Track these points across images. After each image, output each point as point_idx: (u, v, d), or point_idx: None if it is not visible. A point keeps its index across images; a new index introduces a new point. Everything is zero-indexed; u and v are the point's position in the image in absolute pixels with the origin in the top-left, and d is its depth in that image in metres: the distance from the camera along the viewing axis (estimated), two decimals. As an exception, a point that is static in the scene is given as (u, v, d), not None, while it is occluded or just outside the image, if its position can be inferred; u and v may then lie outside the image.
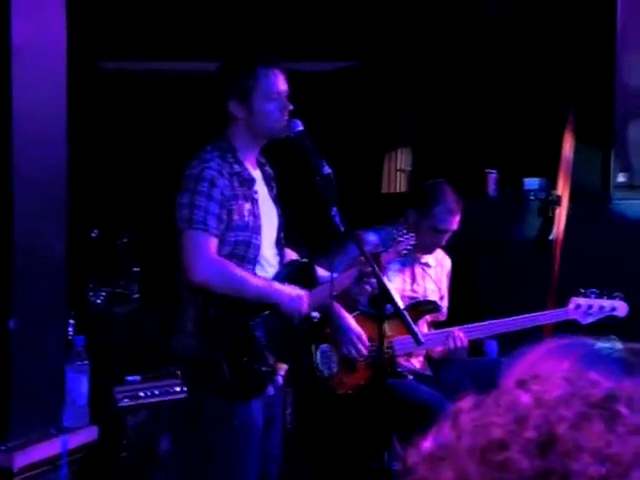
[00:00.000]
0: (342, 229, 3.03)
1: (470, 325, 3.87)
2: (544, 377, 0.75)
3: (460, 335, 3.76)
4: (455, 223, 3.88)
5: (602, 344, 0.90)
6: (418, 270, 4.01)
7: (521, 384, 0.74)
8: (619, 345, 0.90)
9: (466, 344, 3.78)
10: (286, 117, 3.08)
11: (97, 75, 4.76)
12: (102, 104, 4.74)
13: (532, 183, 4.81)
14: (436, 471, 0.70)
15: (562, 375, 0.75)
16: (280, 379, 3.09)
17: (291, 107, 3.08)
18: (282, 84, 3.09)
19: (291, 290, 3.08)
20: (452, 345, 3.75)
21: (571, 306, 3.83)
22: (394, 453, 3.78)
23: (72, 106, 3.07)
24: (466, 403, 0.74)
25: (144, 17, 4.66)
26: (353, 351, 3.62)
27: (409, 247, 3.48)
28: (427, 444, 0.72)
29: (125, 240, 4.54)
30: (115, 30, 4.61)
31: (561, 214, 4.67)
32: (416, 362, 3.97)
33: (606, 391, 0.72)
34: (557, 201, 4.68)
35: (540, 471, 0.67)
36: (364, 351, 3.62)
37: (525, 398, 0.72)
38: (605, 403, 0.71)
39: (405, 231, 3.53)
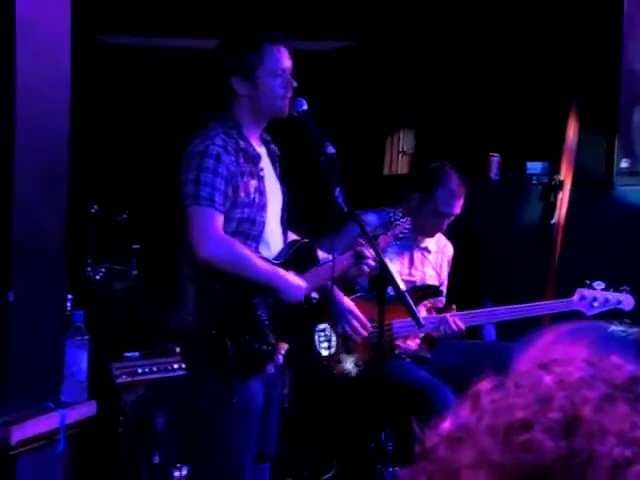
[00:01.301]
0: (345, 209, 3.02)
1: (473, 311, 3.87)
2: (565, 360, 0.74)
3: (455, 321, 3.76)
4: (458, 207, 3.86)
5: (616, 327, 0.89)
6: (417, 255, 4.00)
7: (543, 367, 0.73)
8: (633, 328, 0.89)
9: (463, 329, 3.78)
10: (290, 94, 3.06)
11: (100, 49, 4.73)
12: (105, 79, 4.71)
13: (535, 167, 4.79)
14: (456, 452, 0.69)
15: (583, 358, 0.74)
16: (280, 358, 3.09)
17: (295, 84, 3.06)
18: (287, 61, 3.07)
19: (294, 278, 3.07)
20: (445, 331, 3.74)
21: (576, 297, 3.83)
22: (390, 434, 3.79)
23: (75, 80, 3.05)
24: (485, 385, 0.73)
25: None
26: (350, 331, 3.62)
27: (405, 231, 3.47)
28: (446, 425, 0.71)
29: (125, 216, 4.52)
30: (119, 4, 4.58)
31: (563, 199, 4.66)
32: (413, 344, 3.97)
33: (629, 374, 0.71)
34: (559, 186, 4.67)
35: (564, 452, 0.66)
36: (362, 331, 3.62)
37: (548, 379, 0.71)
38: (629, 385, 0.70)
39: (401, 215, 3.52)
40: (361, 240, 3.14)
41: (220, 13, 4.60)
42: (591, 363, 0.73)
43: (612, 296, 3.82)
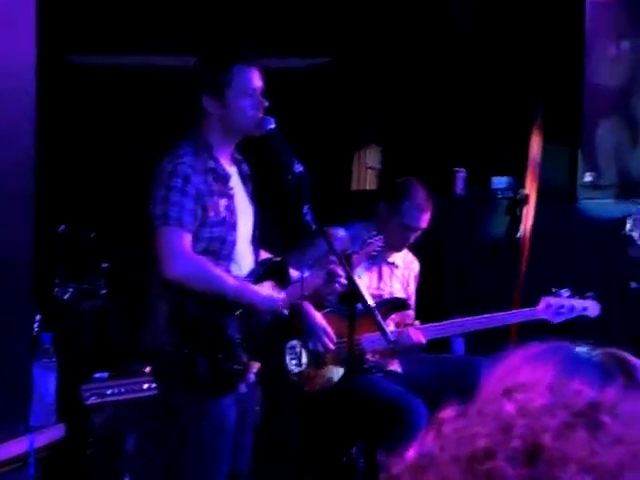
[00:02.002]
0: (314, 227, 3.03)
1: (440, 323, 3.89)
2: (528, 386, 0.76)
3: (414, 333, 3.77)
4: (424, 221, 3.89)
5: (581, 348, 0.91)
6: (385, 270, 4.03)
7: (505, 393, 0.75)
8: (597, 349, 0.91)
9: (423, 341, 3.79)
10: (261, 114, 3.07)
11: (69, 68, 4.71)
12: (75, 97, 4.70)
13: (500, 182, 4.84)
14: None
15: (546, 384, 0.75)
16: (252, 377, 3.09)
17: (266, 104, 3.07)
18: (257, 80, 3.08)
19: (266, 291, 3.08)
20: (404, 344, 3.75)
21: (542, 305, 3.86)
22: (362, 448, 3.80)
23: (44, 99, 3.04)
24: (449, 412, 0.74)
25: (119, 11, 4.62)
26: (320, 347, 3.63)
27: (378, 249, 3.50)
28: (411, 454, 0.72)
29: (93, 235, 4.49)
30: (89, 23, 4.57)
31: (528, 213, 4.71)
32: (384, 358, 3.98)
33: (589, 400, 0.73)
34: (525, 200, 4.72)
35: None
36: (331, 346, 3.63)
37: (509, 407, 0.72)
38: (589, 412, 0.72)
39: (374, 233, 3.55)
40: (332, 258, 3.15)
41: (192, 31, 4.61)
42: (553, 389, 0.74)
43: (577, 303, 3.86)
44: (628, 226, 1.73)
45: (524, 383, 0.78)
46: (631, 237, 1.73)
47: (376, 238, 3.49)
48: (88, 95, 4.74)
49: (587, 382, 0.81)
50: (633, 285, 1.75)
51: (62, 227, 4.42)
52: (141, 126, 4.70)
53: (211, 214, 3.00)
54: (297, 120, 4.85)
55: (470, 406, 0.75)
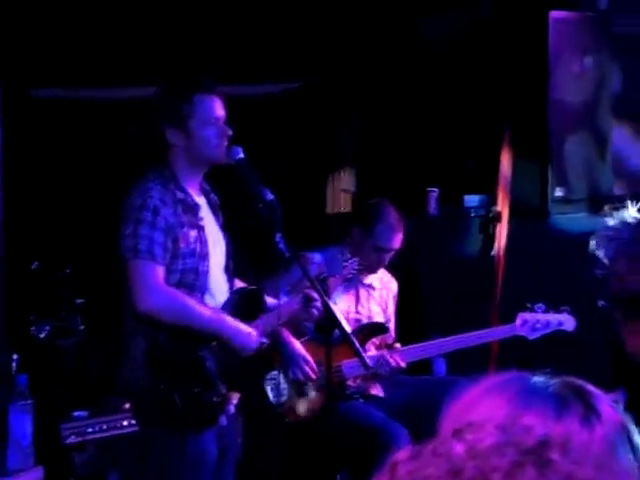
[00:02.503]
0: (287, 254, 3.02)
1: (418, 345, 3.89)
2: (478, 425, 0.75)
3: (394, 357, 3.77)
4: (397, 242, 3.91)
5: (538, 378, 0.91)
6: (362, 292, 4.02)
7: (455, 433, 0.74)
8: (554, 379, 0.91)
9: (402, 365, 3.78)
10: (225, 142, 3.06)
11: (33, 103, 4.69)
12: (39, 132, 4.68)
13: (472, 200, 4.86)
14: None
15: (496, 422, 0.75)
16: (232, 408, 3.06)
17: (230, 132, 3.07)
18: (219, 109, 3.07)
19: (242, 326, 3.06)
20: (383, 369, 3.75)
21: (518, 322, 3.88)
22: (346, 475, 3.78)
23: (7, 134, 3.02)
24: (403, 454, 0.74)
25: (79, 43, 4.62)
26: (300, 375, 3.61)
27: (354, 271, 3.50)
28: None
29: (67, 271, 4.46)
30: (49, 57, 4.56)
31: (502, 230, 4.73)
32: (365, 383, 3.97)
33: (539, 437, 0.73)
34: (497, 217, 4.74)
35: None
36: (312, 374, 3.62)
37: (459, 448, 0.72)
38: (538, 449, 0.71)
39: (349, 255, 3.55)
40: (307, 283, 3.14)
41: (158, 61, 4.61)
42: (502, 428, 0.74)
43: (553, 318, 3.88)
44: (592, 244, 1.75)
45: (475, 422, 0.77)
46: (595, 256, 1.74)
47: (351, 261, 3.50)
48: (53, 129, 4.72)
49: (542, 414, 0.81)
50: (600, 303, 1.76)
51: (35, 264, 4.39)
52: (109, 159, 4.68)
53: (182, 245, 2.99)
54: (271, 144, 4.86)
55: (425, 446, 0.74)
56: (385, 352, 3.80)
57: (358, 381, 3.91)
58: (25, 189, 4.31)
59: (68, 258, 4.44)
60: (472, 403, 0.87)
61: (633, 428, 0.87)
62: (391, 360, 3.75)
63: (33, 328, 4.23)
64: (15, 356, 3.64)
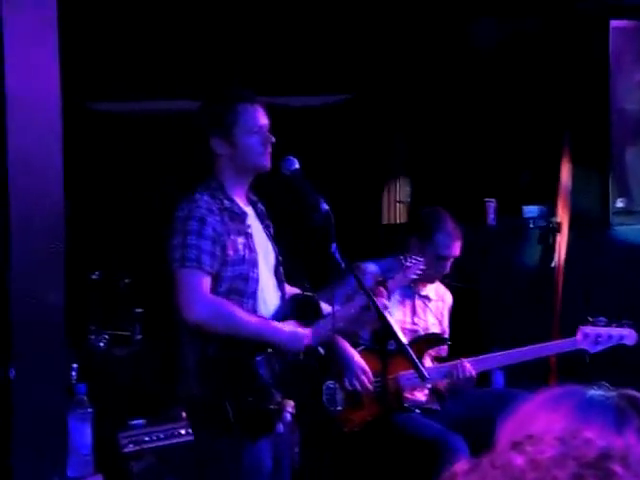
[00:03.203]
0: (343, 265, 3.01)
1: (477, 357, 3.84)
2: (537, 437, 0.74)
3: (467, 366, 3.74)
4: (457, 249, 3.87)
5: (595, 391, 0.89)
6: (419, 303, 3.99)
7: (515, 446, 0.73)
8: (611, 392, 0.89)
9: (474, 375, 3.76)
10: (269, 150, 3.09)
11: (92, 116, 4.78)
12: (99, 145, 4.76)
13: (531, 211, 4.80)
14: None
15: (555, 435, 0.74)
16: (288, 416, 3.06)
17: (273, 140, 3.09)
18: (262, 118, 3.10)
19: (290, 328, 3.06)
20: (458, 376, 3.73)
21: (579, 336, 3.82)
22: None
23: (68, 148, 3.08)
24: (462, 466, 0.72)
25: (134, 57, 4.69)
26: (358, 385, 3.59)
27: (419, 271, 3.46)
28: None
29: (127, 281, 4.52)
30: (107, 71, 4.64)
31: (562, 241, 4.66)
32: (422, 395, 3.94)
33: (599, 450, 0.71)
34: (557, 228, 4.68)
35: None
36: (369, 385, 3.59)
37: (519, 460, 0.71)
38: (599, 463, 0.70)
39: (413, 256, 3.51)
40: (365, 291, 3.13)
41: (210, 73, 4.66)
42: (562, 440, 0.73)
43: (615, 332, 3.82)
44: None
45: (534, 434, 0.76)
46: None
47: (415, 261, 3.45)
48: (109, 141, 4.80)
49: (601, 427, 0.79)
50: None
51: (96, 274, 4.46)
52: (167, 171, 4.74)
53: (230, 253, 3.00)
54: (327, 156, 4.87)
55: (483, 458, 0.73)
56: (460, 360, 3.77)
57: (416, 393, 3.87)
58: (86, 200, 4.39)
59: (128, 268, 4.50)
60: (530, 416, 0.85)
61: None
62: (466, 368, 3.72)
63: (92, 337, 4.29)
64: (75, 365, 3.70)
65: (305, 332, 3.07)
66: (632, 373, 4.11)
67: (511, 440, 0.75)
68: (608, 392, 0.88)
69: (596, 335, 3.81)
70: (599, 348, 3.81)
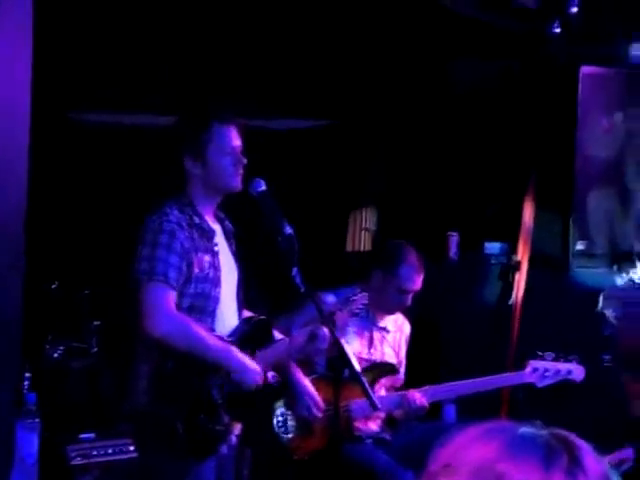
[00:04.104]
0: (302, 289, 3.02)
1: (429, 387, 3.86)
2: (454, 468, 0.75)
3: (416, 396, 3.76)
4: (419, 283, 3.91)
5: (526, 428, 0.91)
6: (376, 334, 4.01)
7: (431, 476, 0.75)
8: (543, 430, 0.91)
9: (426, 404, 3.78)
10: (241, 171, 3.10)
11: (63, 126, 4.76)
12: (68, 155, 4.74)
13: (493, 247, 4.86)
14: None
15: (472, 467, 0.75)
16: (234, 438, 3.05)
17: (245, 161, 3.11)
18: (236, 139, 3.12)
19: (249, 361, 3.05)
20: (407, 407, 3.74)
21: (528, 369, 3.87)
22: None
23: (39, 156, 3.07)
24: None
25: (116, 70, 4.69)
26: (306, 412, 3.59)
27: (362, 306, 3.49)
28: None
29: (86, 292, 4.49)
30: (87, 82, 4.63)
31: (520, 279, 4.72)
32: (374, 425, 3.95)
33: None
34: (517, 266, 4.73)
35: None
36: (318, 413, 3.59)
37: None
38: None
39: (359, 290, 3.54)
40: (318, 319, 3.14)
41: (191, 92, 4.67)
42: (476, 472, 0.74)
43: (563, 367, 3.87)
44: (601, 303, 1.74)
45: (452, 464, 0.77)
46: (604, 315, 1.74)
47: (360, 295, 3.48)
48: (80, 152, 4.78)
49: (528, 464, 0.81)
50: (605, 361, 1.76)
51: (54, 285, 4.42)
52: (132, 184, 4.73)
53: (196, 270, 3.01)
54: (295, 180, 4.89)
55: None
56: (409, 391, 3.79)
57: (369, 423, 3.88)
58: (48, 210, 4.36)
59: (87, 280, 4.47)
60: (460, 449, 0.87)
61: None
62: (414, 399, 3.73)
63: (48, 347, 4.25)
64: (27, 375, 3.66)
65: (259, 368, 3.06)
66: (583, 408, 4.17)
67: (430, 470, 0.76)
68: (539, 430, 0.90)
69: (544, 369, 3.86)
70: (547, 382, 3.85)
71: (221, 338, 3.06)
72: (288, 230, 3.04)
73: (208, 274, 3.03)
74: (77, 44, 4.46)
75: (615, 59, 4.81)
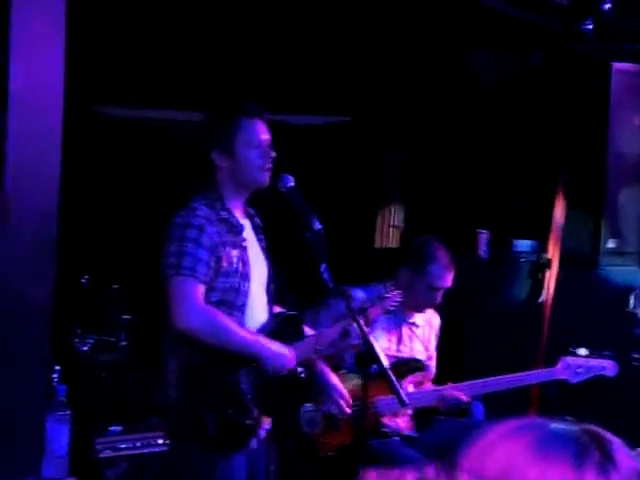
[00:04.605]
0: (331, 285, 3.02)
1: (459, 384, 3.84)
2: (484, 464, 0.75)
3: (454, 393, 3.74)
4: (450, 280, 3.88)
5: (557, 425, 0.90)
6: (405, 330, 4.00)
7: (461, 472, 0.74)
8: (573, 426, 0.90)
9: (465, 399, 3.75)
10: (269, 165, 3.11)
11: (95, 120, 4.80)
12: (99, 149, 4.77)
13: (523, 245, 4.82)
14: None
15: (502, 464, 0.75)
16: (263, 432, 3.06)
17: (274, 155, 3.11)
18: (263, 133, 3.13)
19: (278, 347, 3.06)
20: (447, 405, 3.73)
21: (560, 365, 3.84)
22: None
23: (68, 150, 3.09)
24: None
25: (145, 65, 4.72)
26: (336, 410, 3.59)
27: (395, 303, 3.47)
28: None
29: (116, 287, 4.52)
30: (115, 76, 4.66)
31: (551, 277, 4.68)
32: (401, 422, 3.94)
33: None
34: (547, 264, 4.69)
35: None
36: (347, 409, 3.59)
37: None
38: None
39: (392, 287, 3.53)
40: (348, 315, 3.14)
41: (213, 88, 4.69)
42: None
43: (595, 362, 3.84)
44: (631, 303, 1.73)
45: (479, 460, 0.77)
46: (635, 315, 1.72)
47: (394, 293, 3.46)
48: (114, 147, 4.82)
49: (561, 461, 0.80)
50: (635, 360, 1.75)
51: (85, 278, 4.46)
52: (164, 179, 4.75)
53: (224, 264, 3.02)
54: (323, 177, 4.89)
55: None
56: (445, 388, 3.77)
57: (397, 419, 3.87)
58: (80, 204, 4.40)
59: (118, 274, 4.50)
60: (490, 446, 0.86)
61: None
62: (456, 393, 3.73)
63: (77, 341, 4.29)
64: (57, 367, 3.69)
65: (290, 355, 3.07)
66: (612, 406, 4.13)
67: (459, 466, 0.76)
68: (571, 426, 0.90)
69: (576, 366, 3.82)
70: (579, 379, 3.81)
71: (249, 330, 3.07)
72: (317, 226, 3.05)
73: (237, 268, 3.04)
74: (103, 38, 4.49)
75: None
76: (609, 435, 0.89)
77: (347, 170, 5.23)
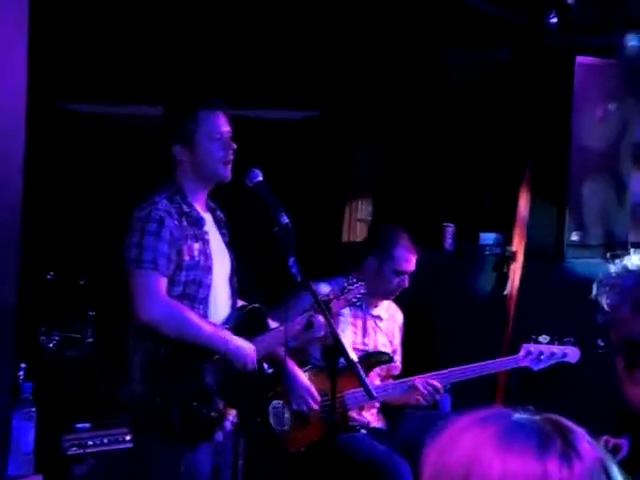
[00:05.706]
0: (298, 279, 3.03)
1: (426, 374, 3.87)
2: (449, 455, 0.76)
3: (429, 382, 3.75)
4: (414, 263, 3.94)
5: (520, 415, 0.91)
6: (370, 323, 4.02)
7: (428, 465, 0.75)
8: (536, 415, 0.92)
9: (440, 387, 3.77)
10: (230, 157, 3.11)
11: (54, 116, 4.75)
12: (60, 144, 4.73)
13: (488, 238, 4.86)
14: None
15: (467, 454, 0.76)
16: (229, 425, 3.06)
17: (234, 147, 3.11)
18: (224, 125, 3.12)
19: (241, 341, 3.07)
20: (424, 397, 3.74)
21: (522, 353, 3.87)
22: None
23: (31, 146, 3.06)
24: None
25: (109, 60, 4.68)
26: (304, 406, 3.59)
27: (359, 295, 3.49)
28: None
29: (81, 283, 4.49)
30: (77, 72, 4.62)
31: (516, 270, 4.72)
32: (369, 415, 3.95)
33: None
34: (512, 257, 4.74)
35: None
36: (314, 405, 3.59)
37: None
38: None
39: (355, 280, 3.55)
40: (314, 308, 3.15)
41: (182, 82, 4.66)
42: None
43: (557, 349, 3.86)
44: (594, 291, 1.75)
45: (445, 452, 0.78)
46: (597, 302, 1.75)
47: (356, 285, 3.48)
48: (77, 142, 4.78)
49: (523, 450, 0.82)
50: (600, 347, 1.77)
51: (50, 274, 4.42)
52: (127, 174, 4.73)
53: (186, 258, 3.01)
54: (290, 171, 4.89)
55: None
56: (415, 379, 3.78)
57: (364, 413, 3.88)
58: (43, 199, 4.36)
59: (83, 270, 4.47)
60: (455, 438, 0.88)
61: (612, 465, 0.87)
62: (423, 386, 3.74)
63: (43, 337, 4.25)
64: (23, 364, 3.66)
65: (253, 349, 3.07)
66: (579, 394, 4.17)
67: (426, 458, 0.77)
68: (533, 416, 0.91)
69: (538, 352, 3.85)
70: (542, 365, 3.84)
71: (213, 323, 3.06)
72: (285, 220, 3.05)
73: (199, 262, 3.04)
74: (68, 34, 4.45)
75: (610, 50, 4.81)
76: (572, 424, 0.90)
77: (317, 164, 5.23)
